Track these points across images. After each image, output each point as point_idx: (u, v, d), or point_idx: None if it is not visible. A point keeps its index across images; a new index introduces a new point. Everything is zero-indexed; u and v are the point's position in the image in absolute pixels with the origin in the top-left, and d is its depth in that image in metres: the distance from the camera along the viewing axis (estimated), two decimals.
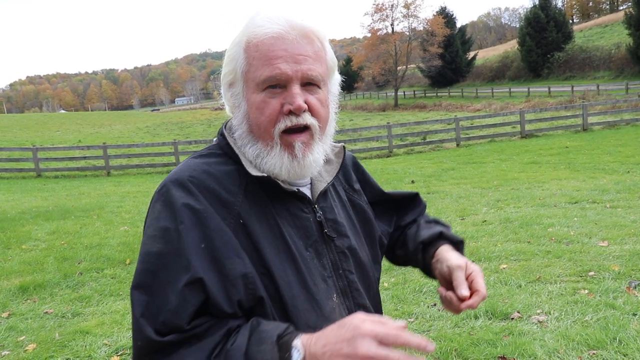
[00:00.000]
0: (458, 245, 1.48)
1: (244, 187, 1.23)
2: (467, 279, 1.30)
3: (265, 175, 1.22)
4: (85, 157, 22.43)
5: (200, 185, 1.19)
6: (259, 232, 1.19)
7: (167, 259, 1.12)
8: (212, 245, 1.13)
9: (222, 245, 1.14)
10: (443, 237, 1.49)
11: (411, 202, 1.65)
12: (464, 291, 1.26)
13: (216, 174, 1.23)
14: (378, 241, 1.50)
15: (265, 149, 1.23)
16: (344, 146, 1.44)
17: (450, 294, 1.29)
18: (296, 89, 1.20)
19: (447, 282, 1.35)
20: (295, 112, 1.20)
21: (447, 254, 1.40)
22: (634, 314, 4.27)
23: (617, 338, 3.87)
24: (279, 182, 1.23)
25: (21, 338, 4.79)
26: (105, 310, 5.39)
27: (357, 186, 1.52)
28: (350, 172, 1.53)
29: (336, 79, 1.35)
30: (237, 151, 1.26)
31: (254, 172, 1.21)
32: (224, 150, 1.29)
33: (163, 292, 1.09)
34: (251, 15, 1.26)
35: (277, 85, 1.20)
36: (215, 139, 1.35)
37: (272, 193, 1.25)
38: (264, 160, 1.23)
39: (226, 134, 1.31)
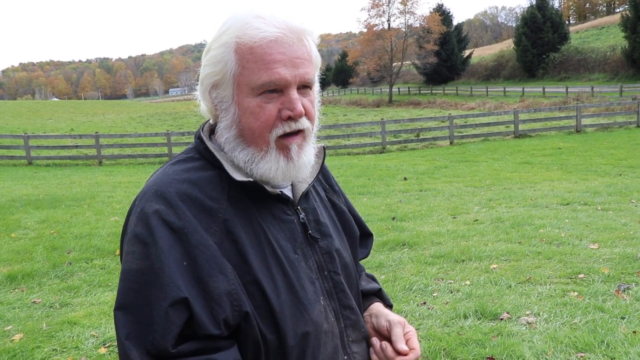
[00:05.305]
0: (389, 308, 1.51)
1: (227, 193, 1.19)
2: (404, 336, 1.33)
3: (252, 180, 1.19)
4: (77, 146, 22.34)
5: (182, 194, 1.15)
6: (244, 238, 1.16)
7: (148, 277, 1.08)
8: (194, 262, 1.09)
9: (205, 262, 1.10)
10: (379, 296, 1.53)
11: (363, 241, 1.59)
12: (404, 346, 1.29)
13: (197, 181, 1.18)
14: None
15: (258, 154, 1.21)
16: (323, 146, 1.42)
17: (386, 344, 1.32)
18: (294, 94, 1.18)
19: (382, 336, 1.38)
20: (294, 118, 1.19)
21: (384, 310, 1.45)
22: (623, 317, 4.29)
23: (605, 341, 3.89)
24: (265, 185, 1.21)
25: (8, 328, 4.76)
26: (93, 301, 5.36)
27: (337, 187, 1.52)
28: (328, 172, 1.52)
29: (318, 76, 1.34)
30: (217, 155, 1.21)
31: (238, 177, 1.18)
32: (202, 155, 1.24)
33: (148, 312, 1.06)
34: (241, 14, 1.20)
35: (275, 90, 1.17)
36: (192, 143, 1.31)
37: (255, 197, 1.22)
38: (258, 165, 1.21)
39: (204, 137, 1.26)
